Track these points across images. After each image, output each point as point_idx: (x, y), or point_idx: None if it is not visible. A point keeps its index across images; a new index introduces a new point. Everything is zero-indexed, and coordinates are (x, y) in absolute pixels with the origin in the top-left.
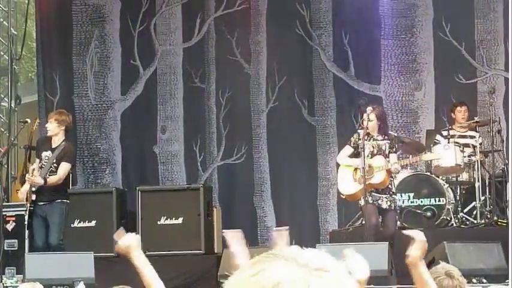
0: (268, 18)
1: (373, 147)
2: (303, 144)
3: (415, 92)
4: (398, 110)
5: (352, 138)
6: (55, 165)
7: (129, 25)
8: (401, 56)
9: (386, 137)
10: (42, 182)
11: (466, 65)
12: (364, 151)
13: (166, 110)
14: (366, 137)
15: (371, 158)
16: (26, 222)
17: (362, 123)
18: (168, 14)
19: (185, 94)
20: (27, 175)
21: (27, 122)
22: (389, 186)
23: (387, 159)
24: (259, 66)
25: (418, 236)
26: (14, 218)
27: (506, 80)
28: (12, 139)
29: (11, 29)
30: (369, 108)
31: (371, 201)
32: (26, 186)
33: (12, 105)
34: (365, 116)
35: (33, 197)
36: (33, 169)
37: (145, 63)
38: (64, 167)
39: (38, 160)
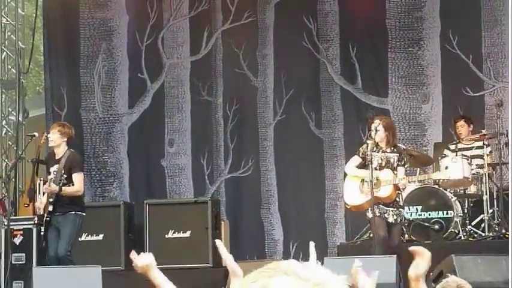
0: (275, 31)
1: (381, 159)
2: (310, 157)
3: (422, 105)
4: (405, 122)
5: (361, 149)
6: (64, 175)
7: (137, 38)
8: (408, 69)
9: (395, 150)
10: (57, 188)
11: (474, 77)
12: (372, 163)
13: (174, 123)
14: (374, 148)
15: (379, 170)
16: (42, 233)
17: (370, 135)
18: (175, 27)
19: (193, 107)
20: (45, 185)
21: (34, 135)
22: (397, 199)
23: (395, 172)
24: (266, 79)
25: (424, 252)
26: (21, 232)
27: None
28: (20, 153)
29: (19, 42)
30: (377, 121)
31: (378, 214)
32: (44, 198)
33: (20, 118)
34: (373, 126)
35: (50, 208)
36: (51, 179)
37: (152, 76)
38: (78, 178)
39: (49, 177)
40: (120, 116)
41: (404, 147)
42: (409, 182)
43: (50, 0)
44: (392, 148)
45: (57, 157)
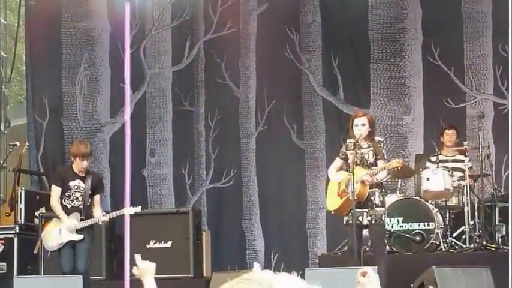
0: (257, 42)
1: (356, 157)
2: (292, 168)
3: (404, 116)
4: (387, 134)
5: (341, 149)
6: (90, 199)
7: (119, 48)
8: (390, 80)
9: (370, 144)
10: (106, 219)
11: (455, 89)
12: (354, 162)
13: (155, 133)
14: (351, 146)
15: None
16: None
17: (350, 133)
18: (157, 37)
19: (174, 117)
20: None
21: (16, 145)
22: (372, 198)
23: (372, 168)
24: (248, 89)
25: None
26: (2, 241)
27: (495, 104)
28: (1, 162)
29: (1, 51)
30: (363, 117)
31: (351, 221)
32: (75, 220)
33: (2, 128)
34: (357, 121)
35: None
36: (78, 195)
37: (134, 86)
38: (99, 200)
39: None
40: (102, 126)
41: (381, 139)
42: (371, 175)
43: (32, 9)
44: (368, 143)
45: (79, 173)
